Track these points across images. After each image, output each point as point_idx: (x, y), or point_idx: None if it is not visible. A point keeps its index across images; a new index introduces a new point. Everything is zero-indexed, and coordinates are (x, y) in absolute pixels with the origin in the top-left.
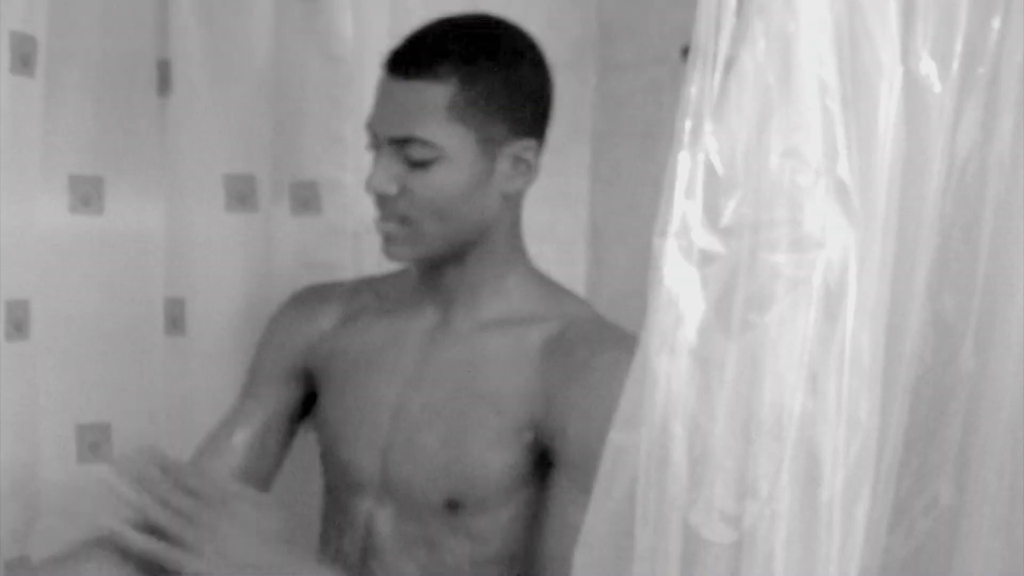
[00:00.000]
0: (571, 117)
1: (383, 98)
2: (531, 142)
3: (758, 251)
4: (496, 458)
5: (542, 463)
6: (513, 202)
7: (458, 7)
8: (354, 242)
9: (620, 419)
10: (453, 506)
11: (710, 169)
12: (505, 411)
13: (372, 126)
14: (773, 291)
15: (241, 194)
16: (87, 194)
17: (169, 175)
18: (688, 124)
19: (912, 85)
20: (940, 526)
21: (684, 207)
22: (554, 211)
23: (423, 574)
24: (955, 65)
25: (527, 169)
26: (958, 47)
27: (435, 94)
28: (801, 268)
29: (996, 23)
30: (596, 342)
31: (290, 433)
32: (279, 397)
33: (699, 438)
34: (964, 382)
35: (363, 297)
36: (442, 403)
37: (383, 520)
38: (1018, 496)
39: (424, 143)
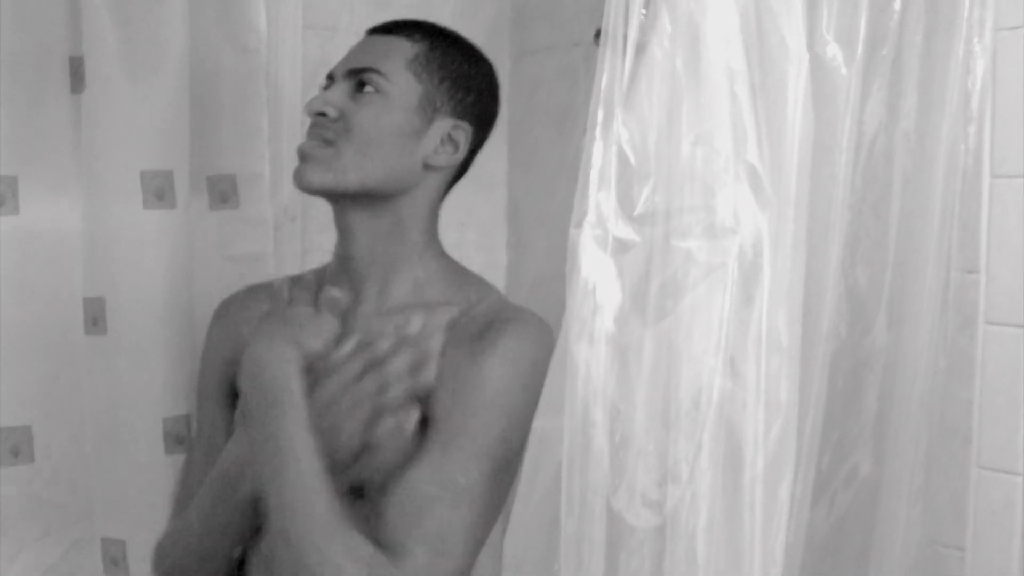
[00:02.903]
0: None
1: (355, 48)
2: (465, 125)
3: (672, 238)
4: (403, 438)
5: None
6: (432, 181)
7: None
8: (275, 233)
9: (543, 406)
10: (357, 493)
11: (623, 159)
12: (412, 391)
13: (334, 68)
14: (688, 277)
15: (159, 190)
16: (1, 194)
17: (85, 173)
18: (600, 114)
19: (819, 69)
20: (861, 497)
21: (598, 197)
22: (473, 195)
23: None
24: (860, 48)
25: (453, 149)
26: (862, 30)
27: (403, 46)
28: (715, 254)
29: (897, 5)
30: (495, 320)
31: None
32: (224, 416)
33: (620, 424)
34: (879, 355)
35: (284, 295)
36: (351, 386)
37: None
38: (934, 463)
39: (378, 73)
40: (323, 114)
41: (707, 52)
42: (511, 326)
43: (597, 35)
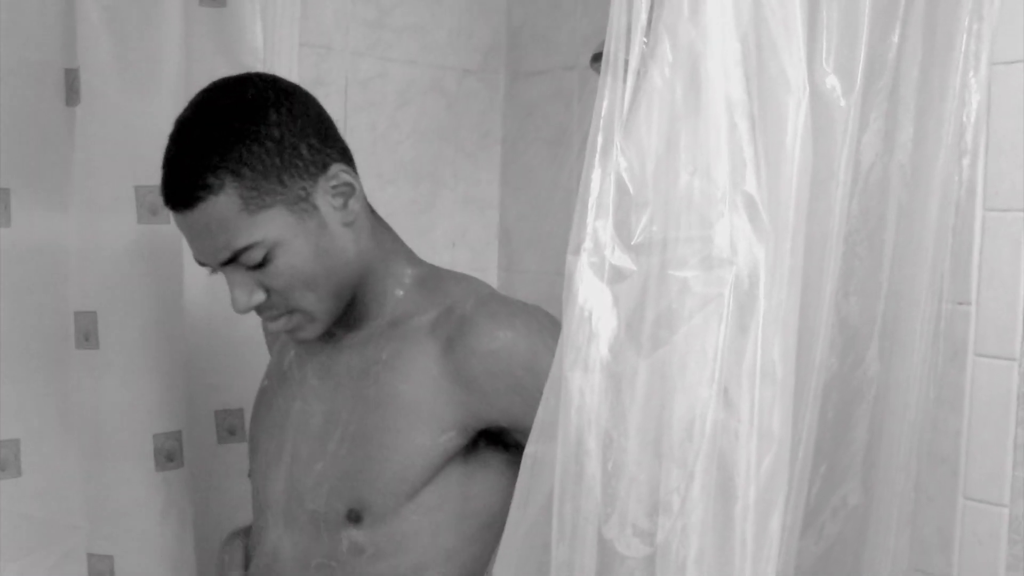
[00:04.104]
0: (481, 123)
1: (188, 234)
2: (333, 168)
3: (668, 268)
4: (402, 460)
5: (465, 448)
6: (360, 222)
7: (370, 15)
8: None
9: (537, 431)
10: (355, 518)
11: (621, 187)
12: (412, 413)
13: (198, 258)
14: (684, 307)
15: (153, 205)
16: None
17: (79, 186)
18: (599, 141)
19: (818, 100)
20: (849, 526)
21: (596, 225)
22: (465, 216)
23: None
24: (858, 80)
25: (348, 190)
26: (860, 62)
27: (223, 206)
28: (711, 284)
29: (895, 37)
30: (489, 321)
31: None
32: None
33: (613, 453)
34: (870, 385)
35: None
36: (342, 412)
37: (287, 545)
38: (923, 494)
39: (249, 247)
40: (259, 306)
41: (707, 81)
42: (512, 318)
43: (594, 58)
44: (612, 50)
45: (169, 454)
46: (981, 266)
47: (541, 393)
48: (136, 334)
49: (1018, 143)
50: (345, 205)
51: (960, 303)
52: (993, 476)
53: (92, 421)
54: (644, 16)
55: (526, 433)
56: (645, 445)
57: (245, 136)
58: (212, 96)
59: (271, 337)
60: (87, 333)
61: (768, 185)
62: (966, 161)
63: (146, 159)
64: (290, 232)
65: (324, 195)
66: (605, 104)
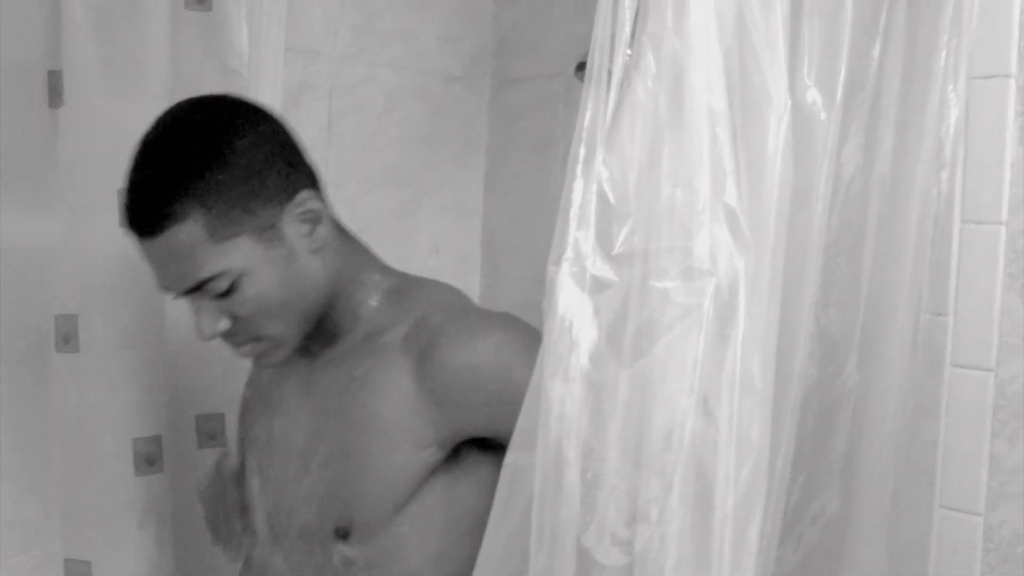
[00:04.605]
0: (466, 130)
1: (151, 261)
2: (301, 195)
3: (649, 278)
4: (385, 476)
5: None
6: (328, 246)
7: (357, 20)
8: None
9: (516, 440)
10: (343, 534)
11: (603, 198)
12: (390, 429)
13: (161, 285)
14: (664, 318)
15: None
16: None
17: (61, 189)
18: (581, 152)
19: (799, 113)
20: (827, 535)
21: (577, 235)
22: (449, 222)
23: None
24: (839, 93)
25: (315, 216)
26: (842, 76)
27: (187, 235)
28: (691, 295)
29: (876, 51)
30: (459, 334)
31: None
32: None
33: (592, 462)
34: (849, 395)
35: None
36: (323, 431)
37: (279, 560)
38: (900, 504)
39: (214, 276)
40: (224, 334)
41: (690, 93)
42: (481, 329)
43: (579, 67)
44: (595, 61)
45: (149, 459)
46: (959, 277)
47: (520, 402)
48: (117, 338)
49: (996, 156)
50: (312, 232)
51: (938, 314)
52: (968, 485)
53: (71, 425)
54: (628, 28)
55: (510, 438)
56: (624, 454)
57: (212, 163)
58: (179, 118)
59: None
60: (67, 336)
61: (749, 197)
62: (945, 174)
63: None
64: (256, 261)
65: (291, 222)
66: (588, 115)
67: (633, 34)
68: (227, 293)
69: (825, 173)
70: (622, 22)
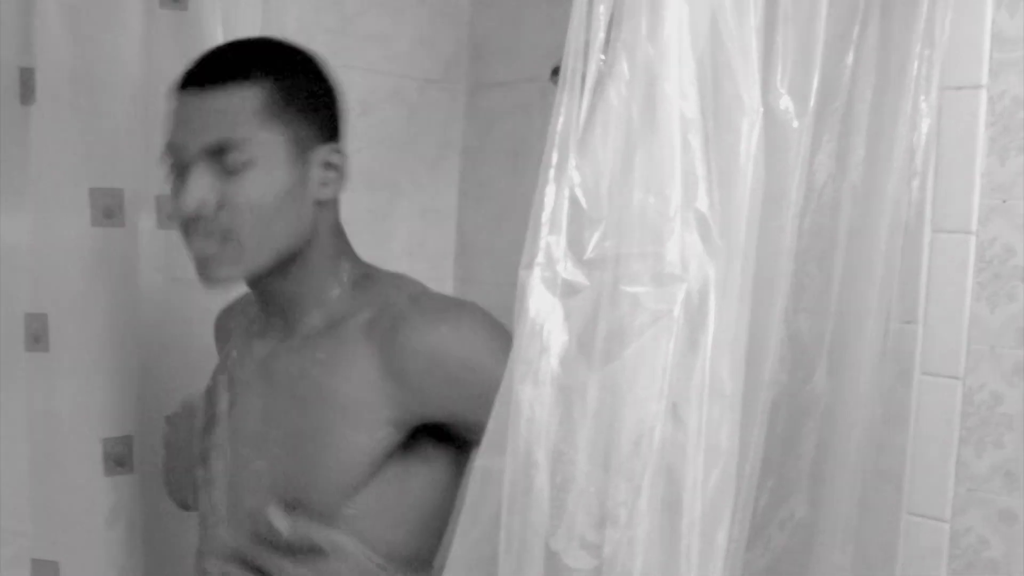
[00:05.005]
0: (441, 133)
1: (185, 113)
2: (337, 146)
3: (620, 283)
4: (341, 458)
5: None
6: (328, 210)
7: (333, 23)
8: None
9: (486, 444)
10: (290, 507)
11: (575, 202)
12: (349, 411)
13: (175, 144)
14: (635, 322)
15: (108, 208)
16: None
17: (32, 187)
18: (554, 157)
19: (772, 121)
20: (795, 540)
21: (549, 240)
22: (423, 226)
23: None
24: (812, 101)
25: (337, 176)
26: (815, 84)
27: (248, 95)
28: (662, 300)
29: (849, 60)
30: (422, 319)
31: None
32: None
33: (561, 466)
34: (818, 402)
35: (237, 316)
36: (280, 413)
37: (229, 540)
38: (868, 509)
39: (239, 146)
40: (203, 211)
41: (663, 100)
42: (445, 313)
43: (554, 72)
44: (569, 67)
45: (118, 459)
46: (928, 286)
47: (479, 387)
48: (87, 337)
49: (966, 166)
50: (326, 183)
51: (907, 322)
52: (936, 492)
53: (40, 424)
54: (602, 34)
55: (467, 427)
56: (594, 459)
57: (299, 65)
58: (278, 39)
59: (220, 340)
60: (37, 335)
61: (720, 203)
62: (915, 183)
63: (102, 160)
64: (276, 163)
65: (318, 162)
66: (561, 120)
67: (607, 40)
68: (231, 173)
69: (797, 180)
70: (596, 28)
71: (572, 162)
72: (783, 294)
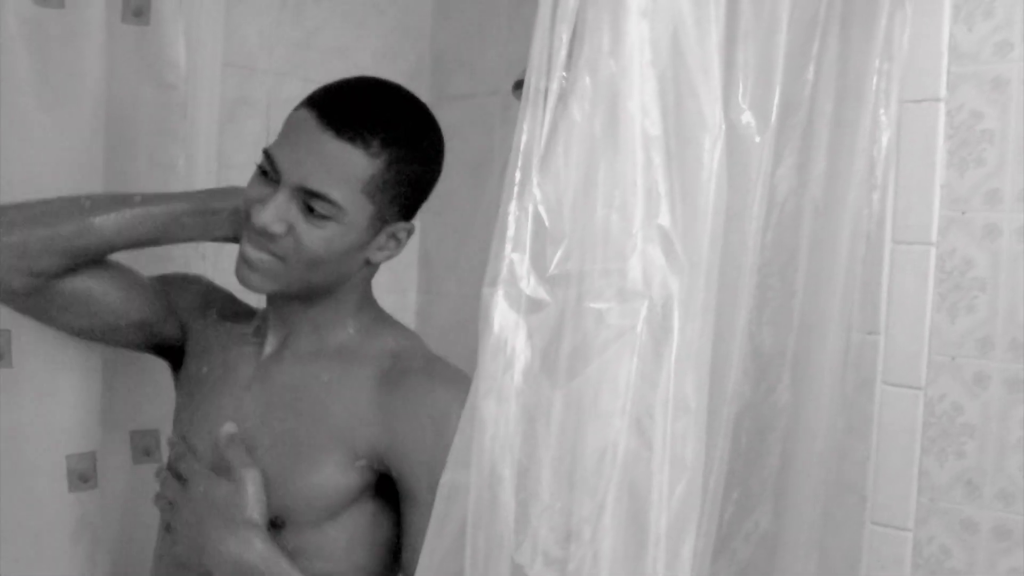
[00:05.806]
0: None
1: (304, 143)
2: (409, 225)
3: (584, 300)
4: (325, 477)
5: (377, 485)
6: (373, 267)
7: (295, 36)
8: (185, 271)
9: (452, 460)
10: (280, 524)
11: (538, 220)
12: (339, 436)
13: (278, 159)
14: (598, 339)
15: None
16: None
17: None
18: (517, 175)
19: (734, 136)
20: (760, 551)
21: (512, 257)
22: None
23: None
24: (773, 116)
25: (396, 246)
26: (776, 99)
27: (361, 165)
28: (625, 316)
29: (810, 75)
30: (430, 379)
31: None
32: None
33: (526, 481)
34: (782, 414)
35: (211, 313)
36: (274, 421)
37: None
38: (832, 520)
39: (333, 203)
40: (270, 231)
41: (625, 117)
42: (455, 391)
43: (516, 85)
44: (532, 83)
45: (83, 475)
46: (890, 297)
47: (437, 456)
48: (50, 353)
49: (926, 178)
50: (384, 250)
51: (869, 333)
52: (898, 502)
53: (4, 441)
54: (564, 50)
55: (403, 487)
56: (558, 474)
57: (418, 150)
58: (416, 99)
59: (181, 300)
60: (0, 351)
61: (683, 219)
62: (876, 195)
63: (64, 176)
64: (357, 228)
65: (388, 232)
66: (524, 137)
67: (570, 56)
68: (312, 214)
69: (759, 195)
70: (559, 45)
71: (535, 179)
72: (746, 308)
